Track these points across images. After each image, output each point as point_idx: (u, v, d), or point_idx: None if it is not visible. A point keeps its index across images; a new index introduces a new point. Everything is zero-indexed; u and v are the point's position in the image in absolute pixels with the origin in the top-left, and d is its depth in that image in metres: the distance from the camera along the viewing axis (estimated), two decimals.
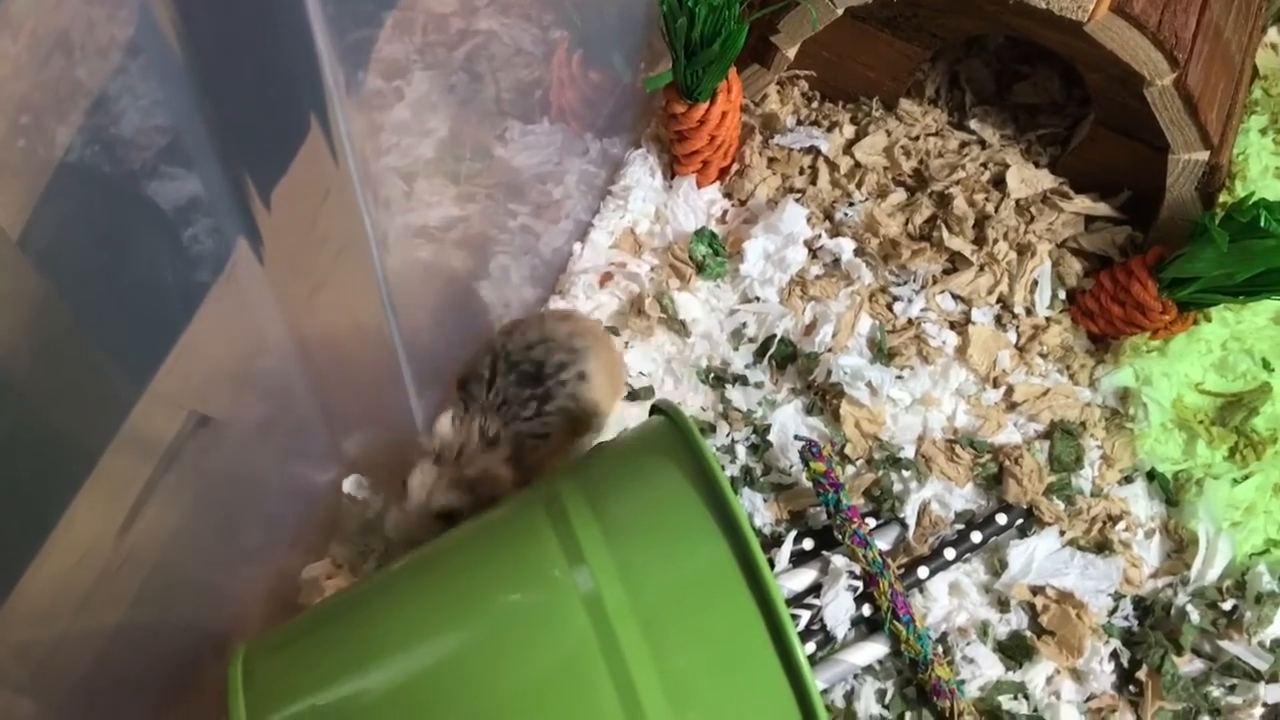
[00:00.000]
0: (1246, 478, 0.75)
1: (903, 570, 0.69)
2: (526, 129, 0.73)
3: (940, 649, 0.67)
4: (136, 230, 0.48)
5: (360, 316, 0.60)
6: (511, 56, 0.70)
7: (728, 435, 0.74)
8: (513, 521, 0.53)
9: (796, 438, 0.72)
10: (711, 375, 0.76)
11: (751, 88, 0.83)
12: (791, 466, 0.72)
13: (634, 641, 0.47)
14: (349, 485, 0.67)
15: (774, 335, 0.76)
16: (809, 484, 0.70)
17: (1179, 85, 0.69)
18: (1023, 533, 0.71)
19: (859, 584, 0.67)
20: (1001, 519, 0.71)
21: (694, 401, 0.75)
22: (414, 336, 0.66)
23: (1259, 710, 0.67)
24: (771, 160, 0.83)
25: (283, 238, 0.51)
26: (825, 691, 0.67)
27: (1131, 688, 0.68)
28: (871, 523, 0.71)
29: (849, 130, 0.83)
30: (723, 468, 0.70)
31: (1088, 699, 0.68)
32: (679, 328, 0.77)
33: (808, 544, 0.69)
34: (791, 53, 0.79)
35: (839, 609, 0.66)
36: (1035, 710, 0.67)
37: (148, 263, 0.49)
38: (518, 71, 0.71)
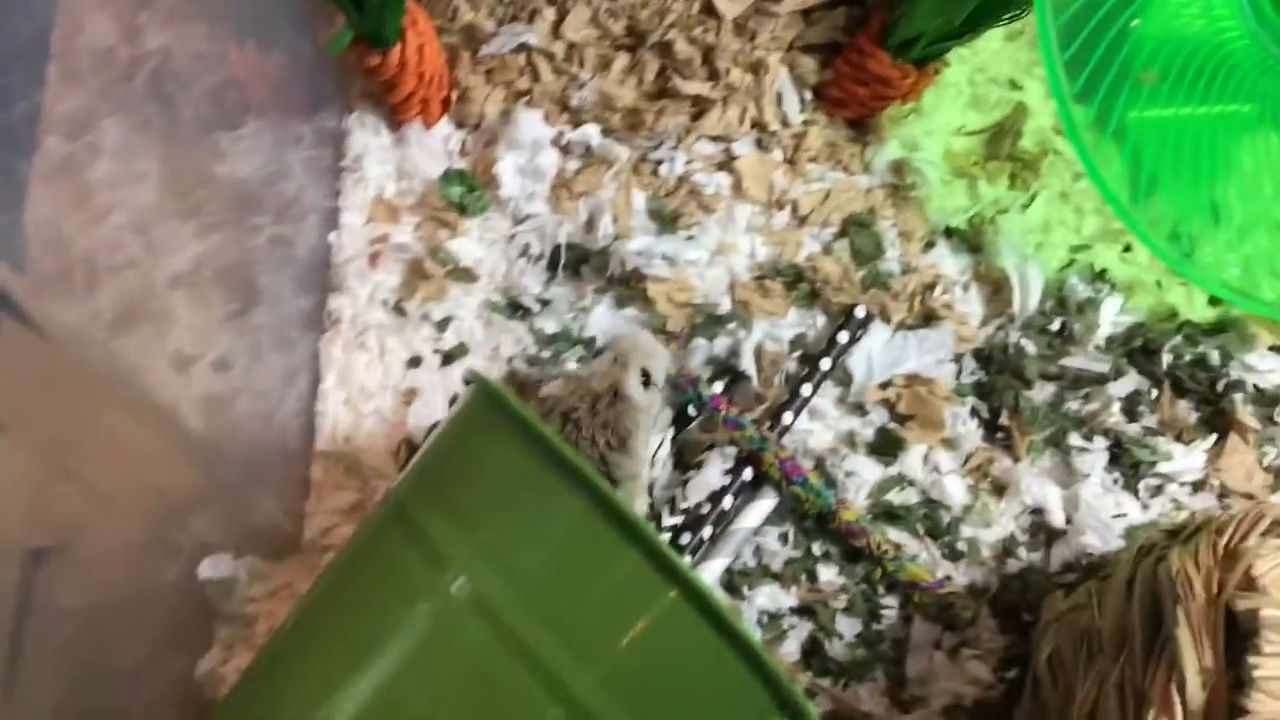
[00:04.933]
0: (1033, 199, 0.77)
1: (770, 423, 0.70)
2: (236, 136, 0.69)
3: (845, 497, 0.69)
4: None
5: (137, 412, 0.57)
6: (192, 67, 0.65)
7: (554, 361, 0.73)
8: (373, 558, 0.52)
9: None
10: (516, 309, 0.75)
11: (437, 8, 0.79)
12: None
13: (528, 623, 0.47)
14: (205, 569, 0.65)
15: (559, 245, 0.75)
16: None
17: None
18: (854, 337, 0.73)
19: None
20: (843, 336, 0.72)
21: (508, 342, 0.74)
22: (207, 403, 0.64)
23: (1116, 405, 0.71)
24: (488, 72, 0.80)
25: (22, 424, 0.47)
26: (736, 559, 0.69)
27: (999, 434, 0.71)
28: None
29: (550, 14, 0.80)
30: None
31: (965, 462, 0.71)
32: (465, 275, 0.75)
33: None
34: None
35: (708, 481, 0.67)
36: (924, 493, 0.70)
37: None
38: (203, 81, 0.67)
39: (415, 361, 0.73)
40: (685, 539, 0.68)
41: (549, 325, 0.74)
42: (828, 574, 0.68)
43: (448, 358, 0.73)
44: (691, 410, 0.71)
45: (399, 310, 0.74)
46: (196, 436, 0.62)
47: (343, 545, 0.57)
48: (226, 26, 0.66)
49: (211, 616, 0.67)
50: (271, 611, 0.66)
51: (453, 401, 0.72)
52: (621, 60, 0.79)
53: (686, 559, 0.68)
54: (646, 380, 0.64)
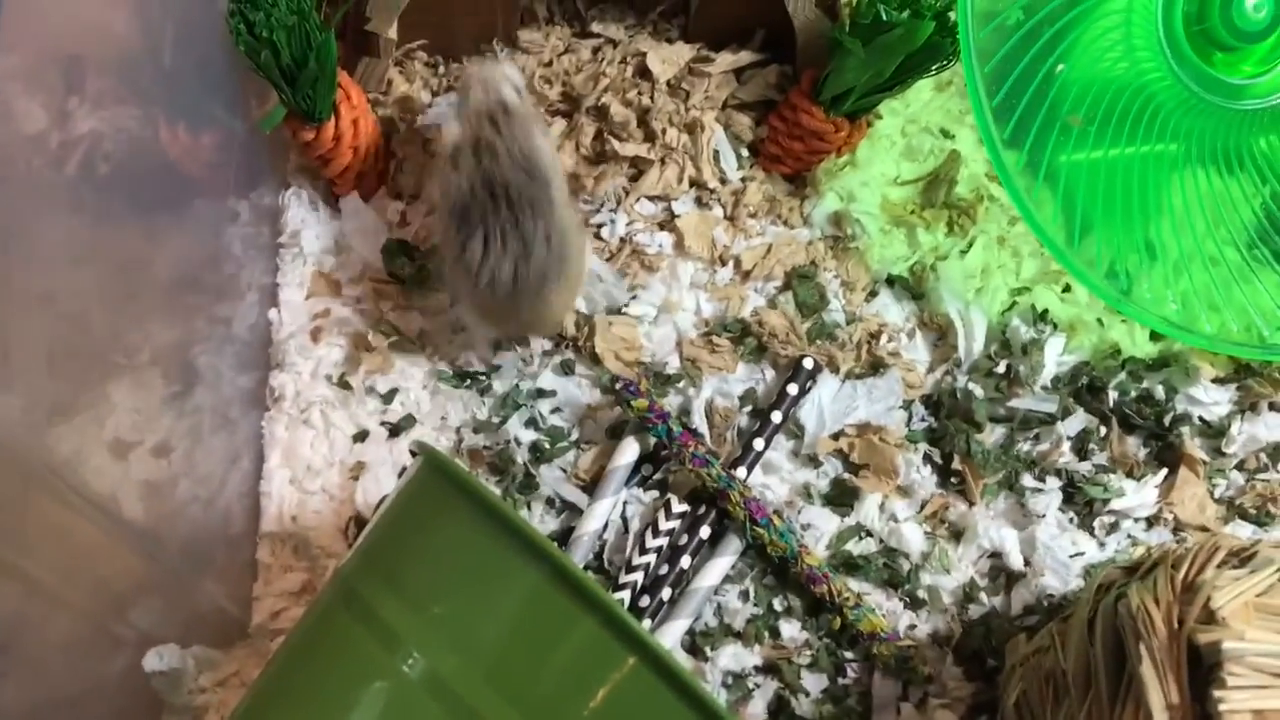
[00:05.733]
0: (971, 244, 0.78)
1: None
2: (171, 217, 0.68)
3: (805, 540, 0.68)
4: None
5: (76, 502, 0.55)
6: (124, 150, 0.64)
7: (503, 425, 0.72)
8: (323, 640, 0.51)
9: (615, 378, 0.72)
10: (464, 378, 0.74)
11: (371, 82, 0.79)
12: (572, 430, 0.72)
13: (485, 697, 0.46)
14: (150, 661, 0.63)
15: None
16: (605, 424, 0.72)
17: None
18: (804, 389, 0.72)
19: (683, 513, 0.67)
20: (792, 389, 0.71)
21: (456, 411, 0.73)
22: (146, 490, 0.62)
23: (1066, 445, 0.72)
24: (425, 142, 0.80)
25: None
26: (697, 619, 0.68)
27: (953, 479, 0.71)
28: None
29: None
30: (506, 471, 0.70)
31: (920, 508, 0.71)
32: (410, 345, 0.74)
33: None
34: (392, 33, 0.76)
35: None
36: (882, 542, 0.70)
37: None
38: (136, 163, 0.66)
39: (362, 435, 0.72)
40: (644, 601, 0.67)
41: (496, 388, 0.73)
42: (790, 630, 0.67)
43: (395, 430, 0.72)
44: (656, 430, 0.70)
45: (343, 384, 0.73)
46: (137, 525, 0.61)
47: (292, 628, 0.56)
48: (158, 109, 0.66)
49: (160, 709, 0.65)
50: (222, 701, 0.64)
51: (401, 474, 0.71)
52: (558, 125, 0.79)
53: (646, 622, 0.67)
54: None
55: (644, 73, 0.79)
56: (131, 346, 0.63)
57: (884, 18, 0.69)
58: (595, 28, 0.81)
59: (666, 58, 0.79)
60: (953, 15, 0.68)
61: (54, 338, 0.55)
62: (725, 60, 0.79)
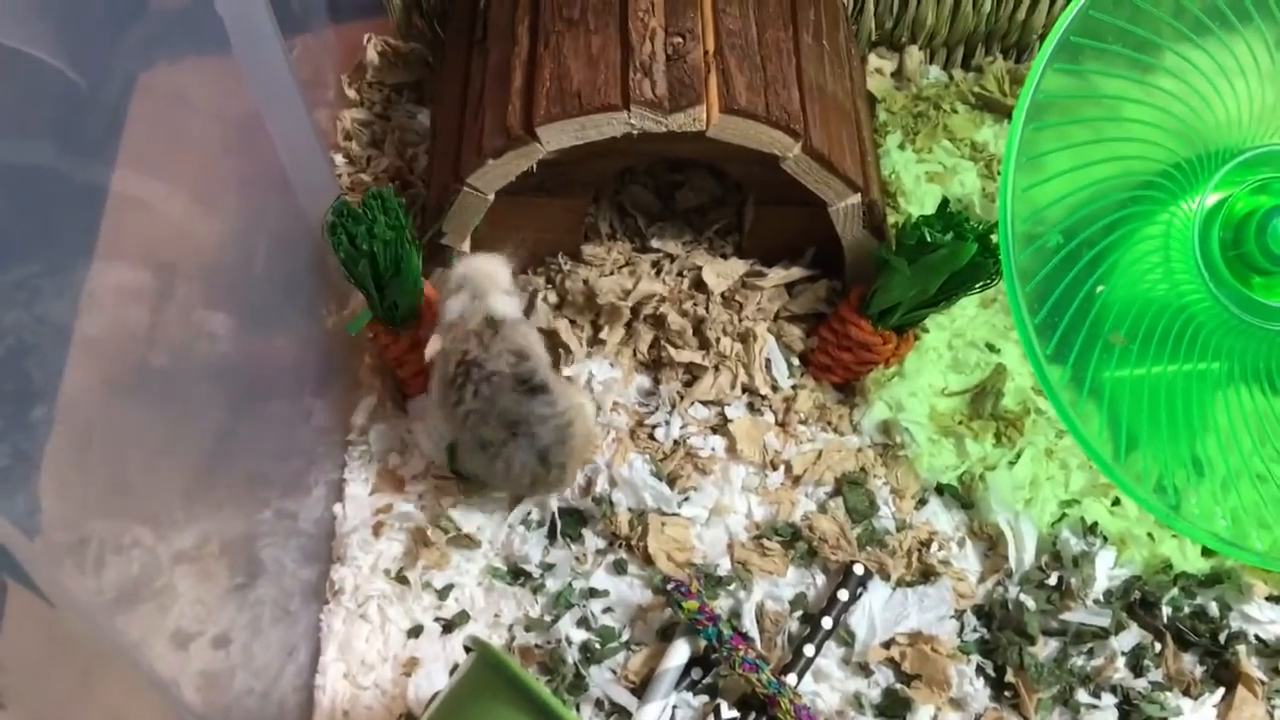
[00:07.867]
0: (1019, 455, 0.79)
1: None
2: (247, 415, 0.71)
3: None
4: None
5: (135, 687, 0.57)
6: (207, 350, 0.68)
7: (555, 623, 0.72)
8: None
9: (667, 579, 0.72)
10: (518, 575, 0.75)
11: (443, 290, 0.84)
12: (623, 630, 0.72)
13: None
14: None
15: (559, 509, 0.76)
16: (656, 625, 0.72)
17: (808, 150, 0.74)
18: (854, 595, 0.73)
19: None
20: (843, 594, 0.72)
21: (509, 608, 0.74)
22: (204, 680, 0.63)
23: (1120, 660, 0.71)
24: None
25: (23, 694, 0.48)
26: None
27: (1007, 693, 0.70)
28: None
29: (552, 296, 0.84)
30: (557, 671, 0.70)
31: None
32: (467, 542, 0.76)
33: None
34: (466, 246, 0.81)
35: None
36: None
37: None
38: (218, 365, 0.69)
39: (416, 631, 0.73)
40: None
41: (550, 586, 0.74)
42: None
43: (449, 626, 0.73)
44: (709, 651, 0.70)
45: (401, 579, 0.75)
46: (195, 713, 0.62)
47: None
48: (243, 313, 0.70)
49: None
50: None
51: (453, 671, 0.72)
52: (617, 333, 0.83)
53: None
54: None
55: (700, 285, 0.83)
56: (200, 538, 0.65)
57: (928, 239, 0.72)
58: (655, 243, 0.86)
59: (721, 272, 0.83)
60: (995, 237, 0.72)
61: (127, 530, 0.57)
62: (777, 275, 0.83)
